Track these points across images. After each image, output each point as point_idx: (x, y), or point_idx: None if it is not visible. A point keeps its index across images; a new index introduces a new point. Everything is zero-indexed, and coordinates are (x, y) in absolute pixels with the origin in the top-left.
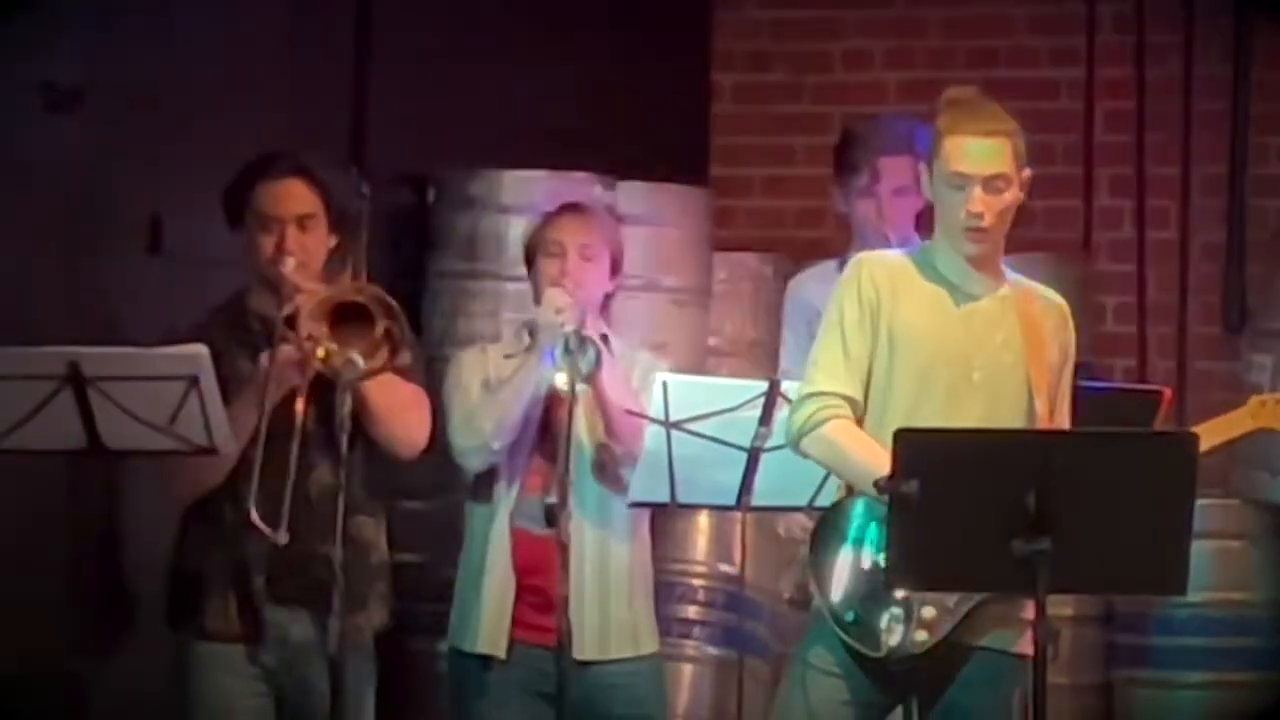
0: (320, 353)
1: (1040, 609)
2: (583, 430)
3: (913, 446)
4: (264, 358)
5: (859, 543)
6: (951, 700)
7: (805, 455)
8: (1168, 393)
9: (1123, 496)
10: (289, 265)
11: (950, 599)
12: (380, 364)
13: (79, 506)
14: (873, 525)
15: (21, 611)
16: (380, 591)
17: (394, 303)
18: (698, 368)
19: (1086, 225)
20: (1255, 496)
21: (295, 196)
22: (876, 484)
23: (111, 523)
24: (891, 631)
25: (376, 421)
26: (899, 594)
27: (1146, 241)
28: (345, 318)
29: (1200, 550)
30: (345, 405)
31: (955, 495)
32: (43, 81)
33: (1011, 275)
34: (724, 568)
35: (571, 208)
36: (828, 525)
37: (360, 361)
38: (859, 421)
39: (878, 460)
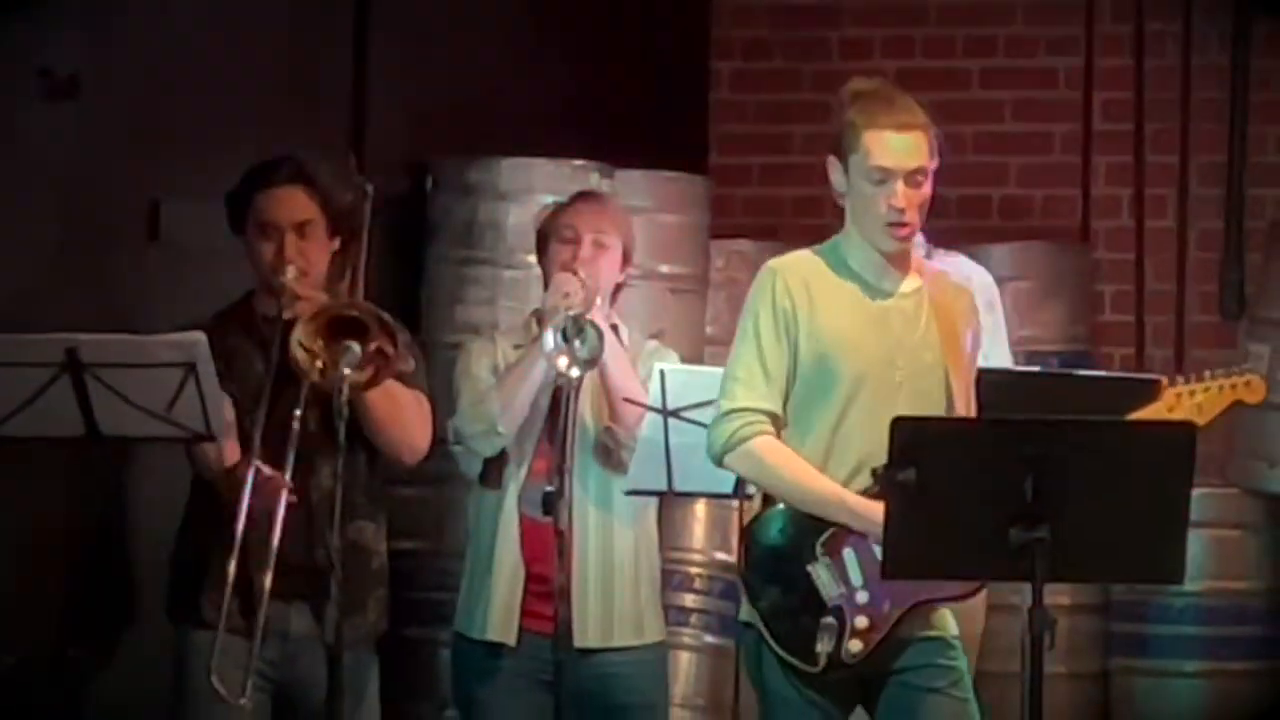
0: (317, 365)
1: (1037, 597)
2: (588, 415)
3: (909, 434)
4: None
5: (785, 552)
6: (900, 684)
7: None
8: (1164, 381)
9: (1120, 485)
10: (290, 274)
11: (884, 605)
12: (372, 376)
13: (80, 495)
14: (798, 533)
15: (22, 599)
16: (379, 595)
17: (389, 318)
18: (695, 356)
19: (1085, 214)
20: (1252, 486)
21: (294, 204)
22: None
23: (112, 512)
24: (824, 642)
25: (377, 429)
26: (832, 604)
27: (1145, 230)
28: (342, 329)
29: (1197, 539)
30: (342, 416)
31: (952, 483)
32: (41, 69)
33: (923, 253)
34: (721, 556)
35: (587, 196)
36: (754, 539)
37: (354, 376)
38: (778, 433)
39: (806, 475)
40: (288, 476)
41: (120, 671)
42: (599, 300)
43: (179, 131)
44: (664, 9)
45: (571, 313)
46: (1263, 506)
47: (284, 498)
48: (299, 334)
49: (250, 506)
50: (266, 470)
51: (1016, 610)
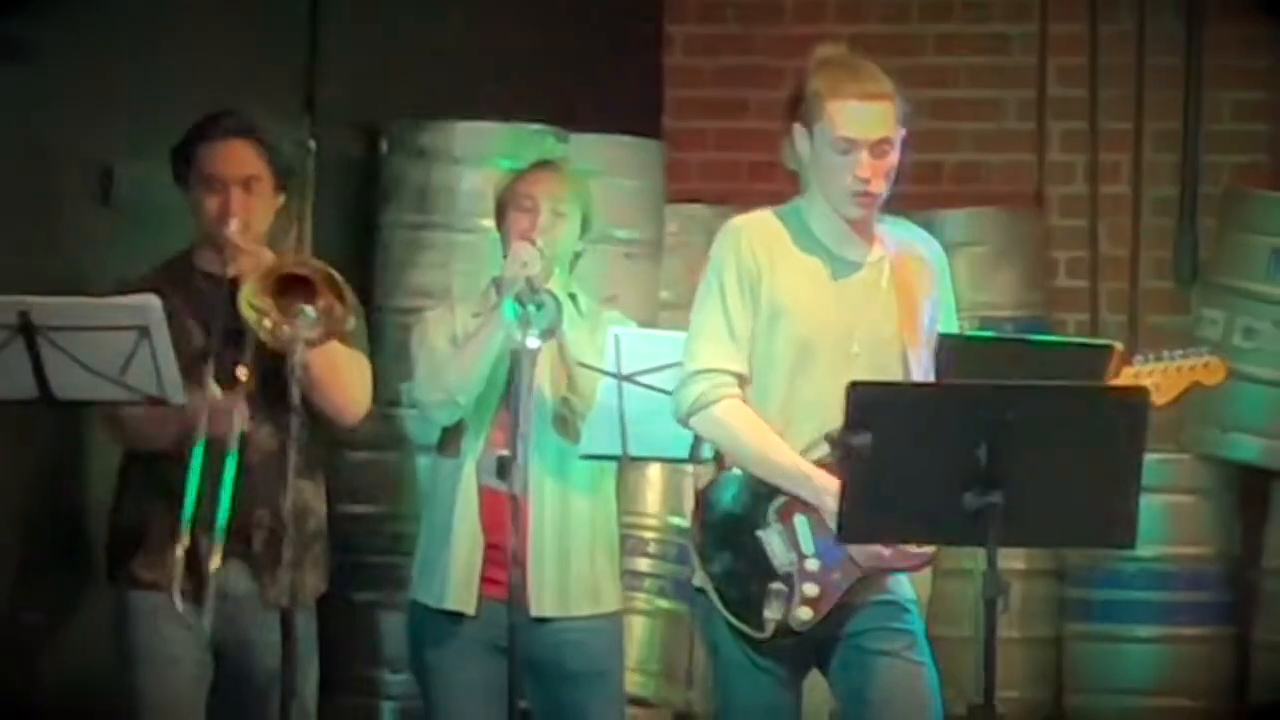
0: (266, 324)
1: (991, 562)
2: (545, 385)
3: (865, 399)
4: (213, 321)
5: (738, 518)
6: (852, 648)
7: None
8: (1119, 347)
9: (1074, 451)
10: (233, 228)
11: (835, 574)
12: (318, 337)
13: (31, 458)
14: (751, 499)
15: None
16: (316, 555)
17: (338, 276)
18: (650, 320)
19: (1039, 180)
20: (1206, 451)
21: (240, 158)
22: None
23: (64, 475)
24: (773, 609)
25: (317, 388)
26: (782, 571)
27: (1099, 196)
28: (291, 287)
29: (1151, 505)
30: (295, 374)
31: (907, 448)
32: None
33: (886, 228)
34: (675, 520)
35: (546, 164)
36: (708, 504)
37: (306, 334)
38: (744, 393)
39: (768, 444)
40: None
41: (74, 636)
42: (557, 270)
43: (133, 96)
44: None
45: (529, 283)
46: (1216, 472)
47: (238, 422)
48: (248, 292)
49: (209, 438)
50: (219, 394)
51: (970, 575)
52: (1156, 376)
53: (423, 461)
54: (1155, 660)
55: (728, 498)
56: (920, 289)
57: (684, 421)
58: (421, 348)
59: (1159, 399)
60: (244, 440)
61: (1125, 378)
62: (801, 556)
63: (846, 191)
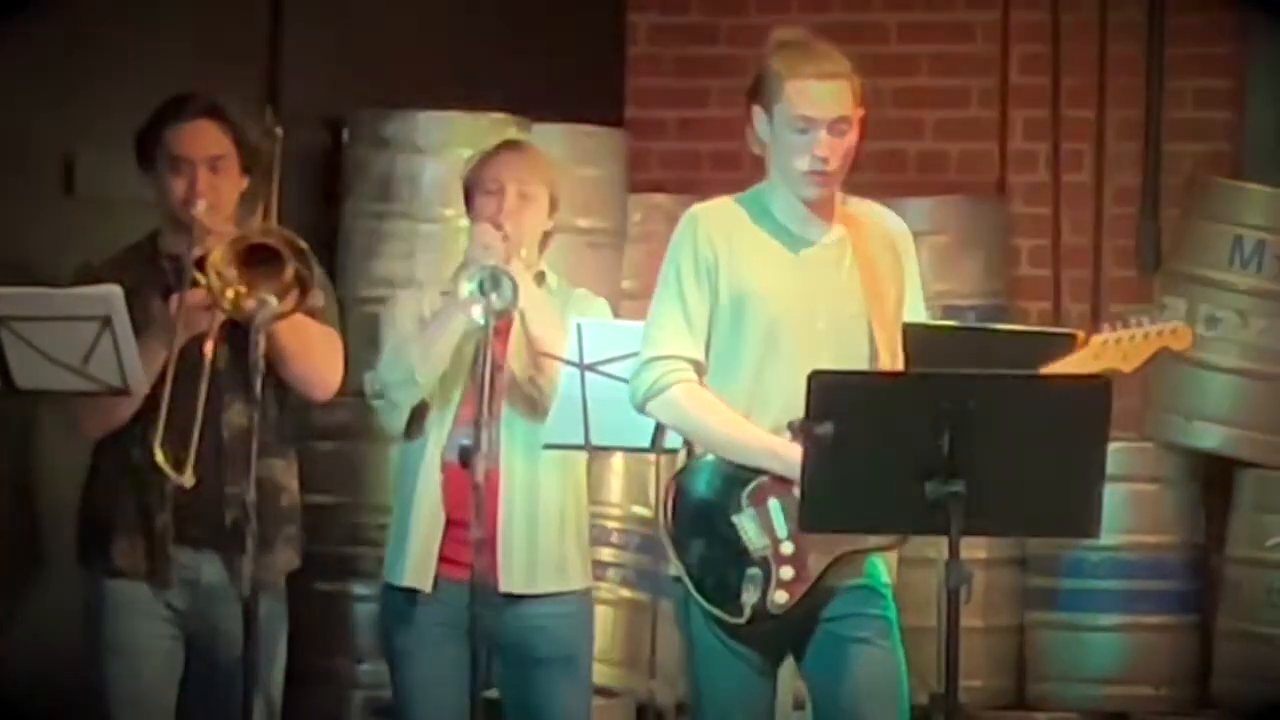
0: (230, 294)
1: (953, 551)
2: (515, 365)
3: (827, 388)
4: (174, 300)
5: (711, 504)
6: (827, 635)
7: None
8: (1082, 336)
9: (1036, 439)
10: (200, 208)
11: (810, 557)
12: (290, 306)
13: None
14: (724, 484)
15: None
16: (289, 533)
17: (303, 244)
18: (612, 310)
19: (1001, 168)
20: (1169, 440)
21: (206, 138)
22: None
23: (25, 463)
24: (750, 594)
25: (288, 363)
26: (757, 555)
27: (1061, 185)
28: (255, 260)
29: (1113, 493)
30: (259, 346)
31: (869, 437)
32: None
33: (849, 205)
34: (638, 509)
35: (511, 145)
36: (680, 491)
37: (272, 303)
38: (700, 380)
39: (729, 423)
40: (198, 414)
41: (32, 623)
42: (523, 251)
43: (94, 86)
44: None
45: (489, 264)
46: (1179, 461)
47: (217, 316)
48: (214, 260)
49: (189, 340)
50: (187, 298)
51: (933, 564)
52: (1124, 344)
53: (396, 451)
54: (1118, 649)
55: (700, 484)
56: (884, 266)
57: (641, 407)
58: (389, 327)
59: (1126, 367)
60: (216, 417)
61: (1093, 345)
62: (776, 540)
63: (804, 171)
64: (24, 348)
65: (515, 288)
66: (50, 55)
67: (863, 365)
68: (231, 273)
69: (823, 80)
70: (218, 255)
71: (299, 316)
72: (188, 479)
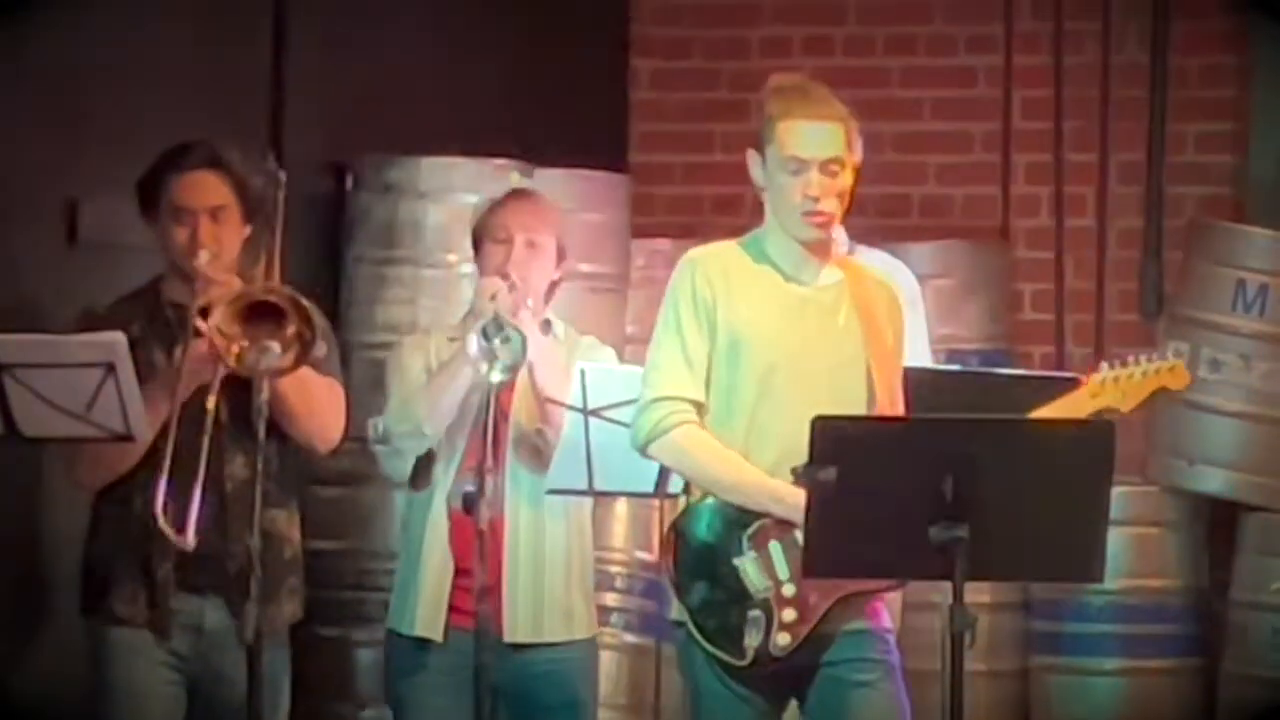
0: (234, 350)
1: (958, 595)
2: (520, 415)
3: (830, 433)
4: (178, 351)
5: (713, 547)
6: (830, 679)
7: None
8: (1084, 380)
9: (1040, 483)
10: (203, 259)
11: (811, 598)
12: (289, 364)
13: None
14: (725, 528)
15: None
16: (292, 585)
17: (307, 303)
18: (616, 355)
19: (1004, 212)
20: (1172, 483)
21: (208, 188)
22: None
23: (28, 509)
24: (752, 636)
25: (291, 417)
26: (759, 597)
27: (1064, 229)
28: (259, 314)
29: (1117, 537)
30: (262, 393)
31: (873, 482)
32: None
33: (845, 250)
34: (641, 555)
35: (519, 194)
36: (681, 534)
37: (275, 349)
38: (701, 421)
39: (731, 465)
40: (201, 468)
41: (35, 670)
42: (530, 301)
43: (98, 132)
44: (584, 7)
45: (496, 317)
46: (1182, 504)
47: (220, 369)
48: (216, 318)
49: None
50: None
51: (937, 608)
52: (1122, 383)
53: (401, 496)
54: (1122, 693)
55: (701, 528)
56: (882, 310)
57: (642, 450)
58: (396, 375)
59: (1124, 406)
60: (219, 470)
61: (1091, 385)
62: (778, 582)
63: (797, 210)
64: (27, 394)
65: (524, 341)
66: (54, 101)
67: (860, 407)
68: (235, 329)
69: (813, 121)
70: (221, 313)
71: (302, 371)
72: (189, 541)
